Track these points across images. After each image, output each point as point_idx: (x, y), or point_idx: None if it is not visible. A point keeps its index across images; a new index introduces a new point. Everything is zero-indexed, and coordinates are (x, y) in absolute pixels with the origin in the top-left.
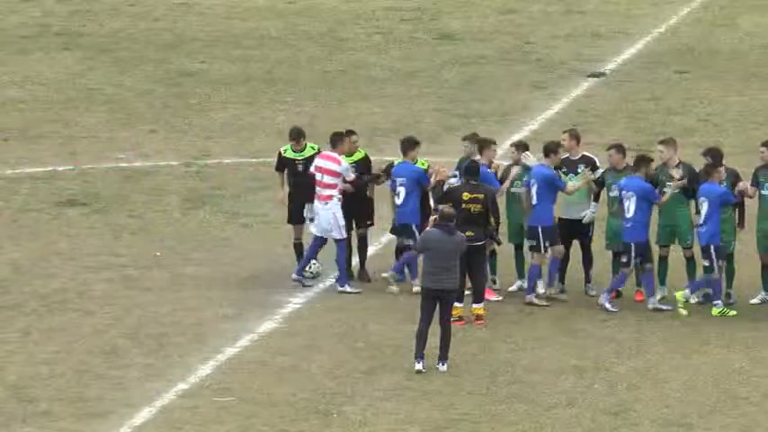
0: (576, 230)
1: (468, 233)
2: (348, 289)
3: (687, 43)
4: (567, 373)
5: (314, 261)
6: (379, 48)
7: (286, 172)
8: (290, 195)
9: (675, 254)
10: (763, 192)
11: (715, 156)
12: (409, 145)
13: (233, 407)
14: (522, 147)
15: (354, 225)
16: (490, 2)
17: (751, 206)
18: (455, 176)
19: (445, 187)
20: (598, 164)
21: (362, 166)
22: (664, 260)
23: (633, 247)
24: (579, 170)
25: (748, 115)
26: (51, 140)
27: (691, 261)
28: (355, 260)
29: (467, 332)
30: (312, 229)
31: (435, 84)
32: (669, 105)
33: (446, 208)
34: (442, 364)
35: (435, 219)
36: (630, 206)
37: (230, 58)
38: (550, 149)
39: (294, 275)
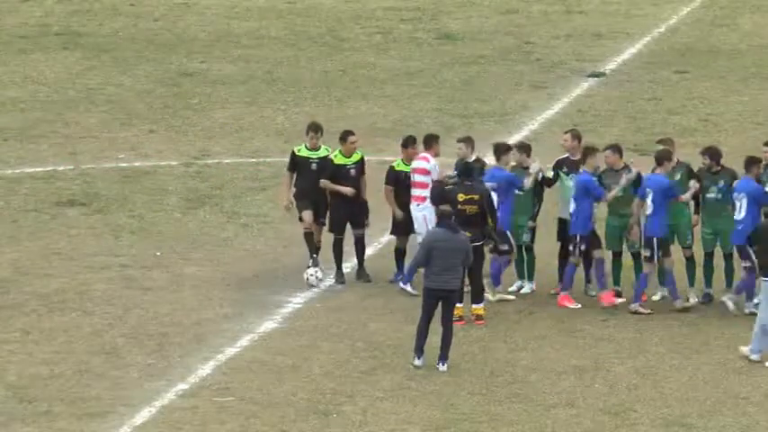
0: None
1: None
2: (409, 289)
3: (687, 43)
4: (567, 373)
5: (317, 268)
6: (379, 48)
7: (295, 174)
8: (297, 194)
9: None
10: None
11: (714, 155)
12: (505, 149)
13: (233, 407)
14: (524, 148)
15: (350, 226)
16: (490, 2)
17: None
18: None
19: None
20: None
21: (359, 166)
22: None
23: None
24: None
25: (748, 115)
26: (51, 140)
27: (690, 261)
28: (351, 261)
29: (467, 332)
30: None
31: (435, 84)
32: (669, 105)
33: (445, 207)
34: (442, 365)
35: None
36: (742, 208)
37: (230, 57)
38: (588, 153)
39: (396, 280)
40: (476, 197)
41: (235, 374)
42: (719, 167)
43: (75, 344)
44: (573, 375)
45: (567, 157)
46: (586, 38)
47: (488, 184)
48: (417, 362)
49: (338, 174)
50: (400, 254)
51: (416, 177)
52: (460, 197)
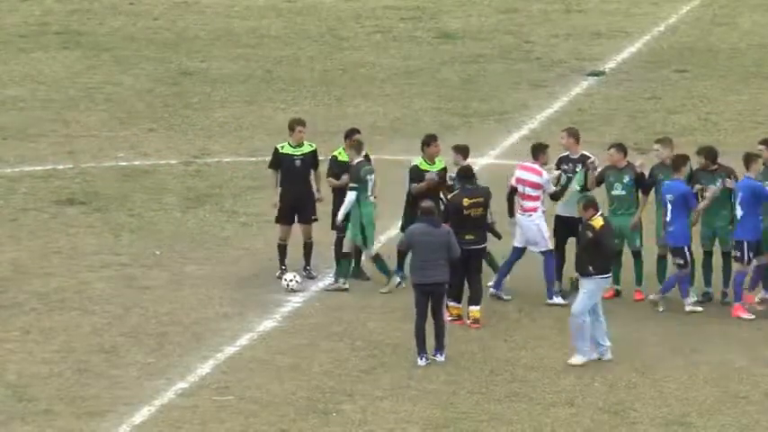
0: (574, 228)
1: (468, 236)
2: (557, 300)
3: (687, 42)
4: (567, 372)
5: (294, 273)
6: (378, 46)
7: (280, 171)
8: (282, 197)
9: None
10: None
11: (709, 154)
12: (683, 161)
13: (232, 406)
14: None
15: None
16: (490, 1)
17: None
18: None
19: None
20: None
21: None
22: (662, 259)
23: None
24: (577, 169)
25: (748, 114)
26: (51, 139)
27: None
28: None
29: (466, 331)
30: (515, 242)
31: (435, 82)
32: (669, 104)
33: (426, 203)
34: (440, 355)
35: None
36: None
37: (230, 56)
38: (751, 160)
39: (492, 290)
40: (481, 199)
41: (234, 373)
42: (716, 166)
43: (75, 343)
44: (572, 374)
45: (567, 155)
46: (586, 37)
47: (667, 196)
48: (421, 362)
49: (343, 171)
50: (403, 255)
51: (527, 190)
52: (465, 202)
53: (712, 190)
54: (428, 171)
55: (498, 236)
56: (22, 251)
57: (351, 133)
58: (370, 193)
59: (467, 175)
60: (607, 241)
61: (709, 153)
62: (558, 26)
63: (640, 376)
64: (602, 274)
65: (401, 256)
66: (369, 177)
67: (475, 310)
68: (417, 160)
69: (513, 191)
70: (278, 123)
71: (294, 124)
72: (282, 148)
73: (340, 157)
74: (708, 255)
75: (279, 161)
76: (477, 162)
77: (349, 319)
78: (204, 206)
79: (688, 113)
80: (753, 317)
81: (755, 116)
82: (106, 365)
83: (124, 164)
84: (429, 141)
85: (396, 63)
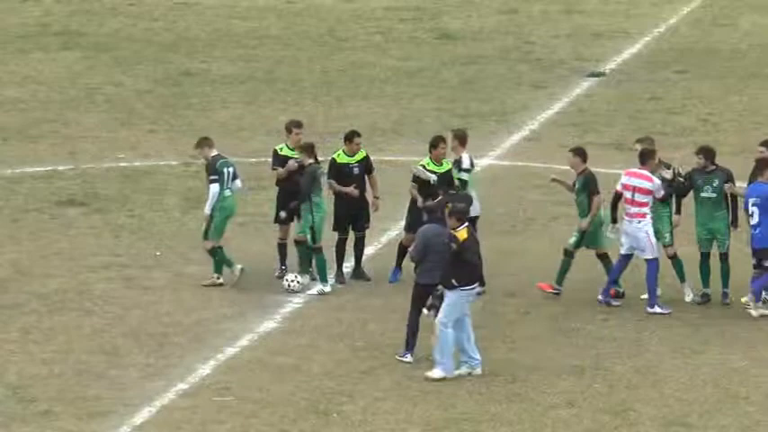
0: None
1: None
2: (658, 310)
3: (687, 43)
4: (567, 373)
5: (295, 274)
6: (378, 47)
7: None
8: (279, 197)
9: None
10: None
11: (708, 154)
12: (651, 154)
13: (233, 406)
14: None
15: (352, 227)
16: (490, 1)
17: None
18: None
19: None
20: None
21: (364, 165)
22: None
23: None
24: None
25: (747, 115)
26: (51, 140)
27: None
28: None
29: None
30: (621, 249)
31: (435, 83)
32: (669, 105)
33: (429, 202)
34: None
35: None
36: (755, 213)
37: (230, 57)
38: (764, 166)
39: (600, 297)
40: (461, 205)
41: (234, 374)
42: (714, 167)
43: (75, 344)
44: (573, 375)
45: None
46: (586, 37)
47: (752, 199)
48: (409, 358)
49: (341, 173)
50: (403, 250)
51: (636, 196)
52: (449, 207)
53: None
54: (436, 172)
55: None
56: (22, 252)
57: (351, 135)
58: (321, 195)
59: (447, 180)
60: (469, 254)
61: (708, 153)
62: (559, 27)
63: (641, 377)
64: (464, 287)
65: (402, 256)
66: (322, 179)
67: None
68: (425, 161)
69: (618, 197)
70: (278, 124)
71: (291, 126)
72: (281, 149)
73: (338, 159)
74: (705, 256)
75: (280, 162)
76: (477, 163)
77: (349, 320)
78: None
79: (688, 114)
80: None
81: (755, 117)
82: (106, 366)
83: (124, 165)
84: (436, 143)
85: (396, 64)
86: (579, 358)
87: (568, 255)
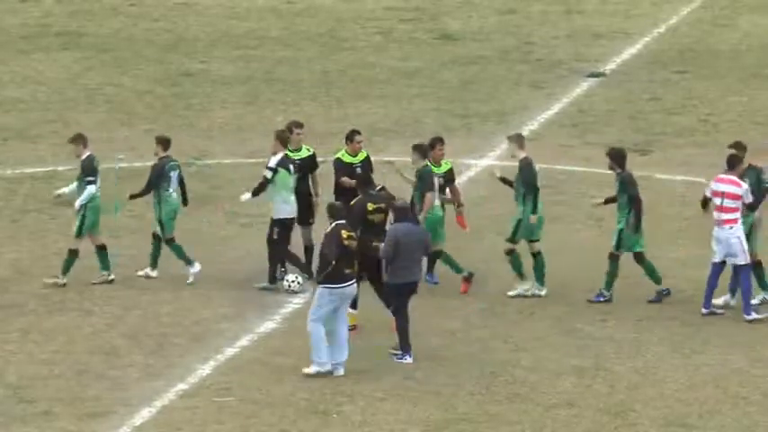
0: None
1: (374, 244)
2: (756, 316)
3: (687, 43)
4: (567, 374)
5: (296, 275)
6: (378, 48)
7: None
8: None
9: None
10: None
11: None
12: (738, 161)
13: (233, 407)
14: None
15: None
16: (490, 2)
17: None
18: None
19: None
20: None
21: (366, 165)
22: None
23: None
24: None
25: (747, 115)
26: (51, 140)
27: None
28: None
29: (466, 333)
30: (714, 258)
31: (435, 84)
32: (669, 105)
33: (400, 201)
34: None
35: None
36: None
37: (230, 58)
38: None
39: (704, 310)
40: (383, 205)
41: (234, 374)
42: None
43: (75, 344)
44: (573, 375)
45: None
46: (586, 38)
47: None
48: (409, 359)
49: (344, 173)
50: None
51: (725, 202)
52: (370, 207)
53: None
54: (435, 173)
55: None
56: (22, 252)
57: (351, 135)
58: (172, 189)
59: (366, 181)
60: (326, 250)
61: (740, 148)
62: (559, 27)
63: (641, 377)
64: (326, 284)
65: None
66: (171, 174)
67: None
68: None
69: (707, 203)
70: (278, 125)
71: (292, 126)
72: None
73: (344, 159)
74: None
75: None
76: (477, 164)
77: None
78: (204, 207)
79: (688, 114)
80: None
81: (755, 117)
82: (106, 366)
83: (124, 165)
84: (434, 144)
85: (396, 64)
86: (579, 359)
87: (614, 258)
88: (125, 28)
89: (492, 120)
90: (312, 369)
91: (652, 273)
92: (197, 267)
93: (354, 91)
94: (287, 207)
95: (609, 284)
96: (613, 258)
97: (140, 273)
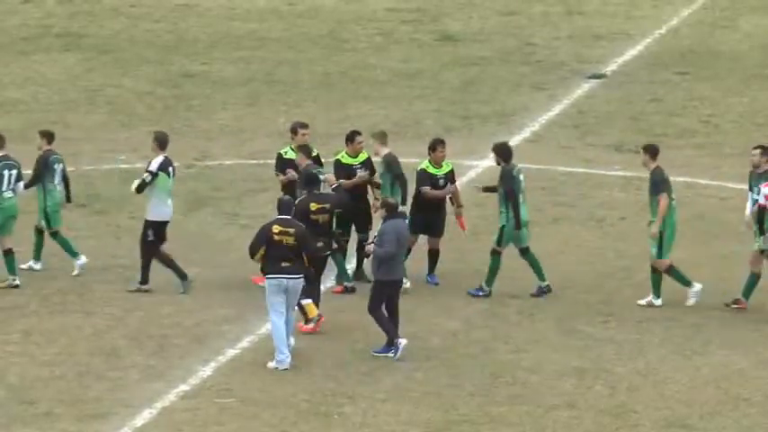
0: None
1: (318, 244)
2: None
3: (688, 45)
4: (568, 375)
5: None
6: (379, 49)
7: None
8: None
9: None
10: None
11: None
12: None
13: (233, 408)
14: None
15: (355, 229)
16: (491, 3)
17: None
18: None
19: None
20: None
21: (368, 166)
22: None
23: None
24: None
25: (748, 116)
26: None
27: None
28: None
29: (467, 334)
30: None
31: (436, 85)
32: (670, 107)
33: (389, 199)
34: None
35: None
36: None
37: (231, 59)
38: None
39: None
40: (327, 206)
41: (235, 376)
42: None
43: (76, 345)
44: (574, 377)
45: (752, 171)
46: (587, 39)
47: None
48: (402, 341)
49: (344, 174)
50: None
51: None
52: (313, 206)
53: None
54: (436, 175)
55: (342, 244)
56: (22, 252)
57: (352, 135)
58: (57, 182)
59: (311, 180)
60: (253, 240)
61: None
62: (560, 28)
63: (642, 378)
64: (268, 274)
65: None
66: (56, 167)
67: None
68: (424, 164)
69: (763, 209)
70: (279, 126)
71: (297, 127)
72: (285, 153)
73: (343, 160)
74: None
75: (284, 166)
76: (478, 164)
77: (350, 321)
78: (205, 208)
79: (689, 116)
80: None
81: (756, 118)
82: (107, 368)
83: (125, 166)
84: (435, 146)
85: (397, 65)
86: (580, 360)
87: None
88: (126, 29)
89: (493, 121)
90: (273, 363)
91: (536, 268)
92: (83, 259)
93: (355, 92)
94: (165, 210)
95: (490, 280)
96: (495, 254)
97: (24, 266)
